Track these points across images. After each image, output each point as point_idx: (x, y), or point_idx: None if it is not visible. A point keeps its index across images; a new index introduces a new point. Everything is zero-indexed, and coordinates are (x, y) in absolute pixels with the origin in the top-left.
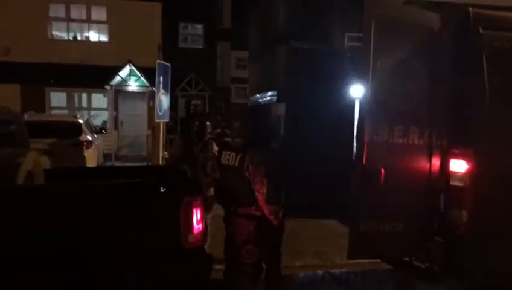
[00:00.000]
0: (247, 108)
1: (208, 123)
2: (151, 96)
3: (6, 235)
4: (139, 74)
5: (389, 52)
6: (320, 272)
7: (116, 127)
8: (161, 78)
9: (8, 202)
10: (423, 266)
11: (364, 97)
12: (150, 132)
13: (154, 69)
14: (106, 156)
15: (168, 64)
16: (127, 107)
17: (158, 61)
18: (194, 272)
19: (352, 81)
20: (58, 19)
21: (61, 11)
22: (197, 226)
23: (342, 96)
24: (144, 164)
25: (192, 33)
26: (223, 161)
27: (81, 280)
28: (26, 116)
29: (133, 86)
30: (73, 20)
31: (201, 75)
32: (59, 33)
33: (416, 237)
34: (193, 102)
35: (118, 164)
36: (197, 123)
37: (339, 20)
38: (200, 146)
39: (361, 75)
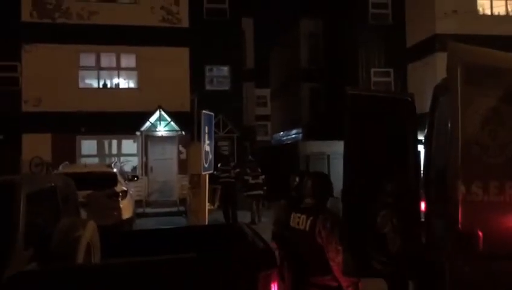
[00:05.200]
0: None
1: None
2: (181, 140)
3: None
4: (168, 119)
5: (477, 100)
6: None
7: (146, 173)
8: (206, 129)
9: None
10: None
11: (453, 151)
12: (182, 176)
13: (184, 113)
14: (136, 203)
15: (212, 114)
16: (156, 151)
17: (203, 111)
18: None
19: (416, 128)
20: (88, 68)
21: (91, 60)
22: None
23: (406, 146)
24: (175, 209)
25: (218, 75)
26: (292, 223)
27: None
28: (61, 168)
29: (163, 130)
30: (103, 69)
31: (229, 116)
32: (89, 81)
33: None
34: (219, 143)
35: (149, 210)
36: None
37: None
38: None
39: (446, 126)
